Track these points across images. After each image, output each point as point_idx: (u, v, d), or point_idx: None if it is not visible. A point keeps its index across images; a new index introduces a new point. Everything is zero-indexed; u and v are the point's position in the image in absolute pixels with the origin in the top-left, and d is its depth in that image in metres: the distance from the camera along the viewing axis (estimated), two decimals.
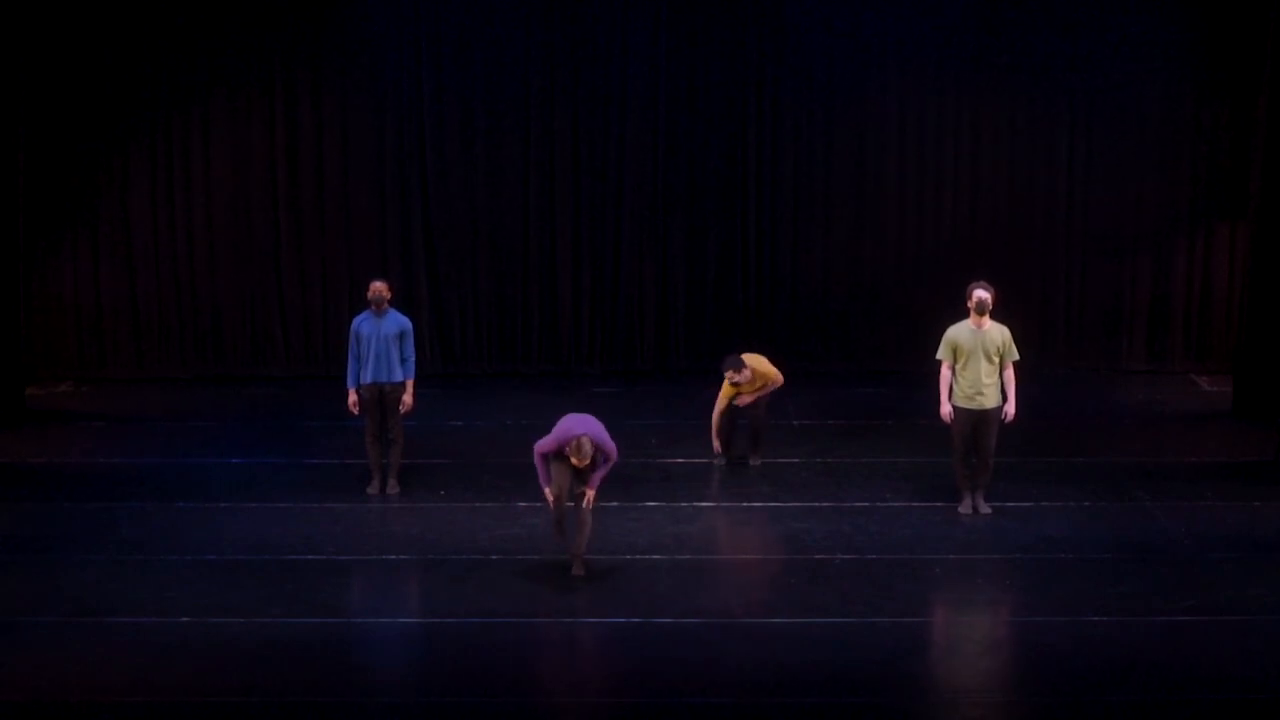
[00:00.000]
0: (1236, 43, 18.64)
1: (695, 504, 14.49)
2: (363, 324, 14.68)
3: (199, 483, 15.13)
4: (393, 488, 14.76)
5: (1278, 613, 11.91)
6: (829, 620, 11.86)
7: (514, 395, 18.41)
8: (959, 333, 13.91)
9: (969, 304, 13.87)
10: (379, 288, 14.73)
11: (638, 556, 13.12)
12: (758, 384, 15.40)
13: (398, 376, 14.61)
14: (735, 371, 15.30)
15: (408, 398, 14.63)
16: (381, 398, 14.61)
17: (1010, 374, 13.96)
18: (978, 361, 13.81)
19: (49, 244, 18.88)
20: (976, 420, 13.88)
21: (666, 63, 19.03)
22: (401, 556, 13.21)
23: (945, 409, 13.96)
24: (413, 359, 14.70)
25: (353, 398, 14.67)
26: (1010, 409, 13.96)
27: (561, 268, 19.34)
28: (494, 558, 13.09)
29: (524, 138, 19.14)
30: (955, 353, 13.88)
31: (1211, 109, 18.99)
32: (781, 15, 18.94)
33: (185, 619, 11.83)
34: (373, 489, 14.75)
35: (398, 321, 14.70)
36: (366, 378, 14.60)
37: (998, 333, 13.89)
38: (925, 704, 10.75)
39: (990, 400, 13.87)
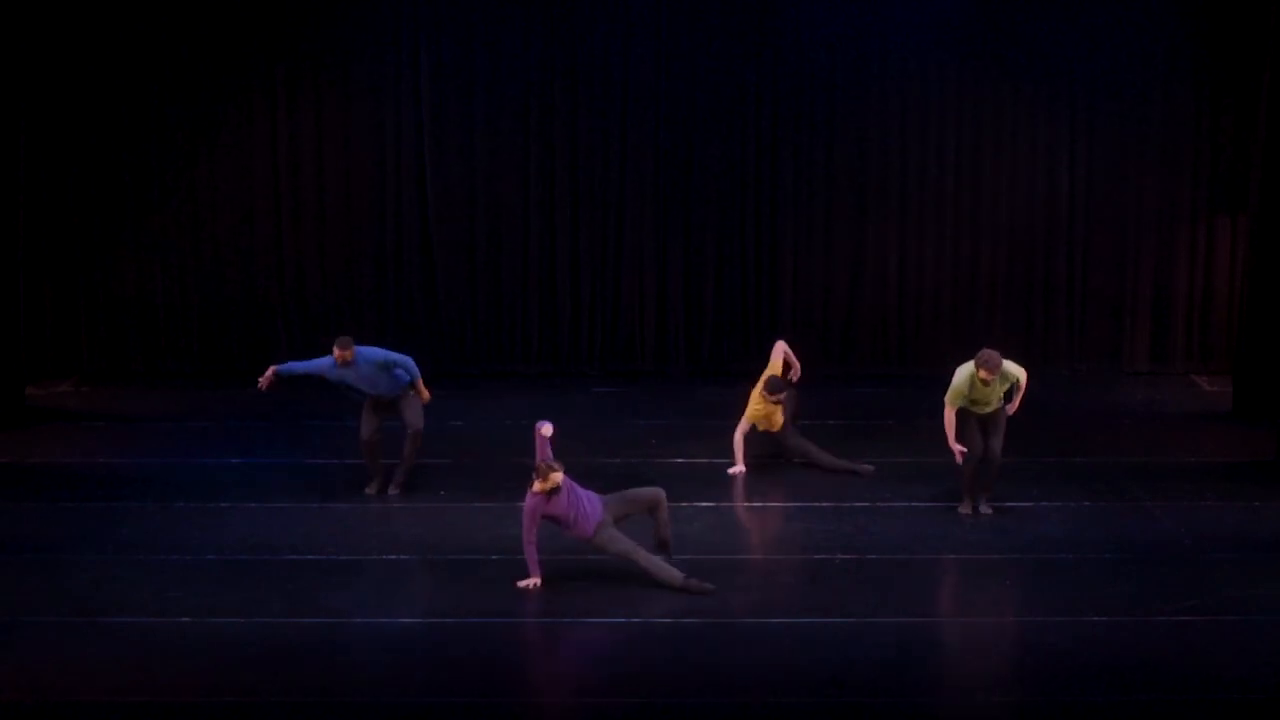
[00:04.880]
0: (1238, 42, 18.64)
1: (695, 504, 14.48)
2: (343, 376, 14.49)
3: (199, 483, 15.13)
4: (393, 487, 14.75)
5: (1278, 613, 11.91)
6: (829, 620, 11.85)
7: (514, 395, 18.41)
8: (968, 381, 13.69)
9: (978, 368, 13.61)
10: (341, 355, 14.38)
11: None
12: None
13: (395, 391, 14.57)
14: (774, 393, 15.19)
15: (424, 392, 14.58)
16: (379, 401, 14.60)
17: (1019, 390, 13.94)
18: (987, 401, 13.77)
19: (54, 245, 18.89)
20: (983, 420, 13.82)
21: (667, 63, 19.02)
22: (401, 556, 13.21)
23: (957, 447, 13.74)
24: (408, 366, 14.58)
25: (269, 374, 14.56)
26: (1012, 406, 13.94)
27: (561, 268, 19.34)
28: (494, 558, 13.08)
29: (524, 137, 19.14)
30: (965, 399, 13.77)
31: (1213, 110, 18.99)
32: (782, 17, 18.94)
33: (185, 619, 11.83)
34: (371, 489, 14.74)
35: (374, 358, 14.46)
36: (365, 389, 14.59)
37: (1007, 379, 13.81)
38: (926, 704, 10.74)
39: (993, 405, 13.85)
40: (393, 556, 13.22)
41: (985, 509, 14.12)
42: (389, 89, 19.06)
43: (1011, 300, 19.26)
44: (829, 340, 19.44)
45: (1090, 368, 19.46)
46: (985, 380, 13.62)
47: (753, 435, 15.34)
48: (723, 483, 15.15)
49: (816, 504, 14.48)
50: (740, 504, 14.69)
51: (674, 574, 12.39)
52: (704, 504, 14.56)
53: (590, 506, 12.46)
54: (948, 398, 13.76)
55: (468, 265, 19.36)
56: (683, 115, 19.12)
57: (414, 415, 14.64)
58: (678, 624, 11.80)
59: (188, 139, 19.00)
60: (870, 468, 15.29)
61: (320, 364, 14.62)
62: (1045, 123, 19.20)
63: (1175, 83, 19.00)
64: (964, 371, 13.73)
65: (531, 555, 12.43)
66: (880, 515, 14.16)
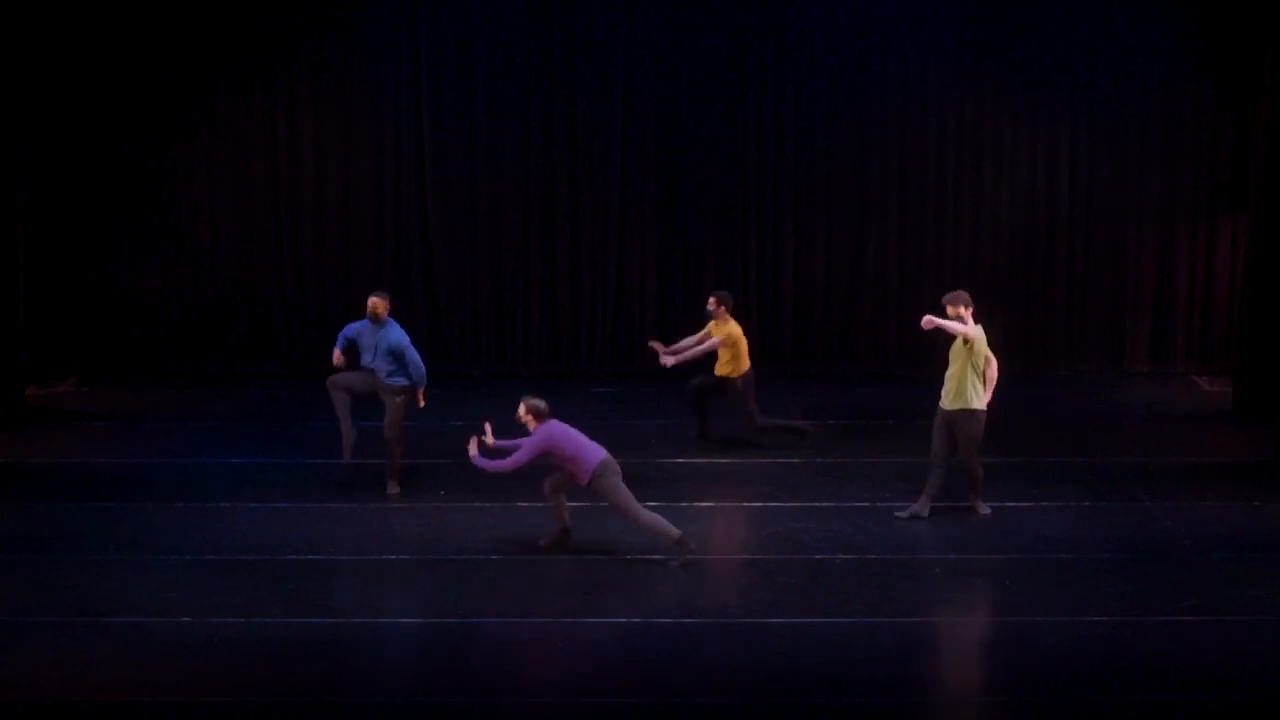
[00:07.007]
0: (1238, 42, 18.63)
1: (695, 504, 14.49)
2: (362, 333, 14.64)
3: (199, 483, 15.13)
4: (393, 488, 14.75)
5: (1278, 613, 11.91)
6: (829, 620, 11.85)
7: (514, 395, 18.32)
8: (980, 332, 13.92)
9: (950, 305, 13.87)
10: (375, 303, 14.64)
11: (638, 556, 13.11)
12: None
13: (398, 381, 14.56)
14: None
15: (421, 400, 14.67)
16: (374, 388, 14.60)
17: (991, 373, 13.99)
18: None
19: (53, 245, 18.89)
20: (947, 424, 13.89)
21: (668, 63, 19.05)
22: (401, 556, 13.21)
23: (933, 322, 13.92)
24: (417, 366, 14.62)
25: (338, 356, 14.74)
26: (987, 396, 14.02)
27: (561, 268, 19.35)
28: (494, 558, 13.09)
29: (524, 138, 19.16)
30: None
31: (1213, 110, 19.00)
32: (783, 16, 18.95)
33: (185, 619, 11.83)
34: (347, 440, 14.69)
35: (394, 338, 14.57)
36: (366, 361, 14.61)
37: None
38: (925, 704, 10.75)
39: (947, 402, 13.86)
40: (393, 556, 13.22)
41: (984, 509, 14.11)
42: (389, 89, 19.07)
43: (1012, 300, 19.25)
44: (829, 340, 19.44)
45: (1090, 368, 19.46)
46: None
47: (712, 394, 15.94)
48: (723, 483, 15.15)
49: (816, 504, 14.48)
50: (740, 504, 14.68)
51: (670, 530, 12.77)
52: (704, 504, 14.57)
53: (591, 452, 12.79)
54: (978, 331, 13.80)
55: (468, 265, 19.36)
56: (683, 115, 19.13)
57: (391, 421, 14.61)
58: (678, 624, 11.80)
59: (188, 139, 19.01)
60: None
61: (345, 335, 14.78)
62: (1045, 123, 19.22)
63: (1175, 82, 19.01)
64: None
65: (492, 466, 12.93)
66: (880, 515, 14.15)
